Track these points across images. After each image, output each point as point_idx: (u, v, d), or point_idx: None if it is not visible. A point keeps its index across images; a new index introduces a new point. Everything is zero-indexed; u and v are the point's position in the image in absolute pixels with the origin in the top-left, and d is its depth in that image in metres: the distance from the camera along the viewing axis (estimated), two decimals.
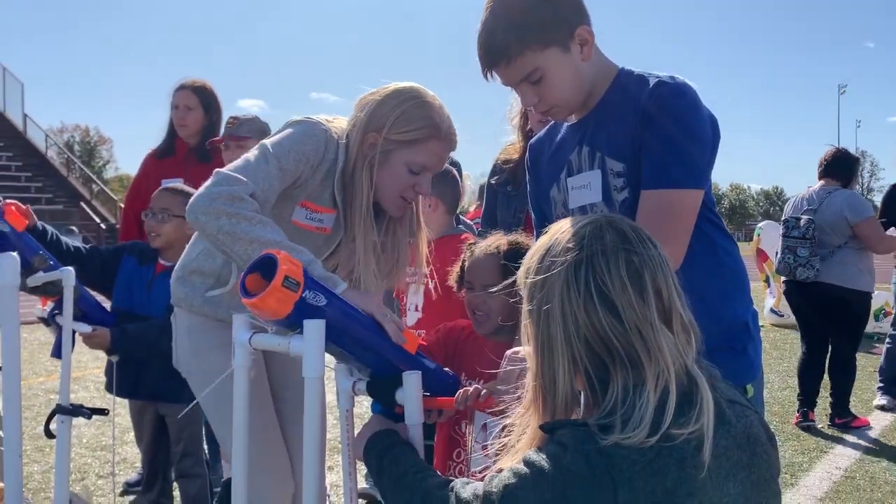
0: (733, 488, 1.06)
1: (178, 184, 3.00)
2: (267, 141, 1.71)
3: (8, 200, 2.27)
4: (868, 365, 6.45)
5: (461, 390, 1.65)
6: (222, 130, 3.44)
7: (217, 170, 1.65)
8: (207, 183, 1.63)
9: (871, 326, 8.23)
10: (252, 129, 3.23)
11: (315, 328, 1.27)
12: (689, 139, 1.51)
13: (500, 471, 1.13)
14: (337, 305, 1.38)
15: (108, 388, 2.72)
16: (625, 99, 1.58)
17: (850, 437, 4.30)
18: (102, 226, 22.72)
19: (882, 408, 5.05)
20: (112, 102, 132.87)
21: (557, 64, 1.54)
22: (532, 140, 1.89)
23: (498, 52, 1.53)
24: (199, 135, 3.61)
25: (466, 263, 2.01)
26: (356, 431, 1.48)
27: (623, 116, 1.57)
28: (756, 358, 1.72)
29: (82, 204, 24.17)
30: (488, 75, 1.58)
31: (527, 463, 1.09)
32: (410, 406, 1.39)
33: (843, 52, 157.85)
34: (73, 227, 16.16)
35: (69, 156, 33.88)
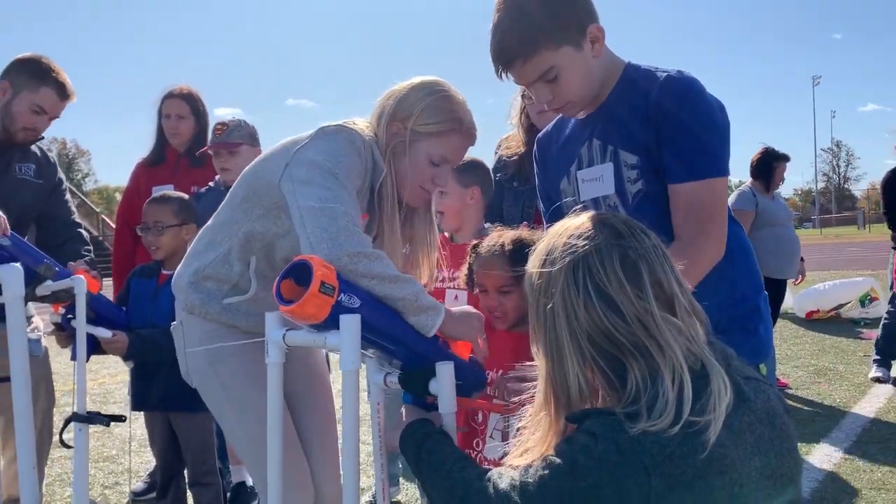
0: (759, 462, 1.10)
1: (165, 191, 3.00)
2: (327, 162, 1.60)
3: None
4: (858, 349, 6.55)
5: (497, 382, 1.67)
6: (209, 135, 3.44)
7: (322, 208, 1.52)
8: (326, 227, 1.50)
9: (858, 312, 8.39)
10: (243, 134, 3.22)
11: (351, 323, 1.29)
12: (708, 130, 1.56)
13: (532, 463, 1.15)
14: (371, 305, 1.40)
15: (135, 406, 2.74)
16: (635, 93, 1.63)
17: (846, 420, 4.37)
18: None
19: (878, 380, 5.20)
20: (88, 114, 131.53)
21: (571, 62, 1.58)
22: (540, 134, 1.93)
23: (513, 52, 1.57)
24: (189, 142, 3.62)
25: (474, 266, 2.02)
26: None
27: (635, 110, 1.62)
28: (767, 338, 1.78)
29: None
30: (503, 75, 1.61)
31: (559, 454, 1.12)
32: (444, 395, 1.41)
33: (813, 45, 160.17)
34: None
35: None
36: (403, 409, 1.50)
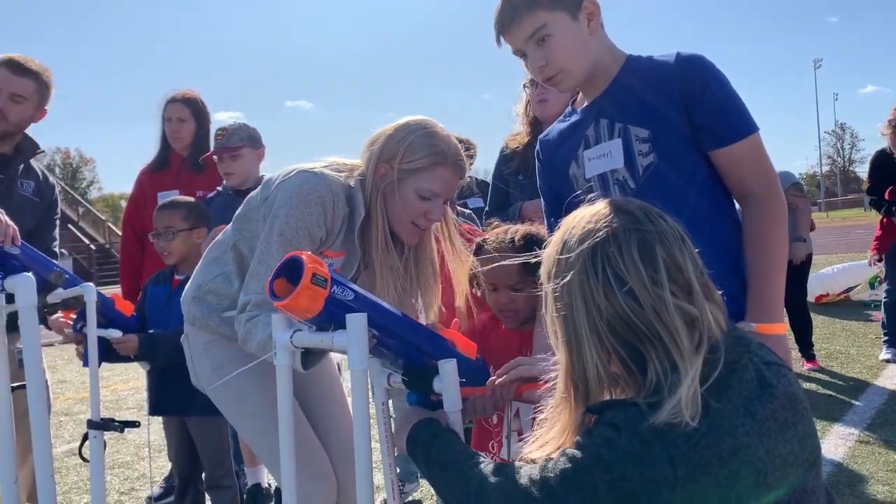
0: (783, 448, 1.09)
1: (174, 197, 3.01)
2: (278, 225, 1.76)
3: None
4: (869, 332, 6.53)
5: (492, 382, 1.65)
6: (212, 140, 3.45)
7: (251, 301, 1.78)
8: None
9: (867, 294, 8.37)
10: (243, 137, 3.23)
11: (358, 321, 1.29)
12: (735, 93, 1.67)
13: (551, 456, 1.14)
14: (364, 299, 1.40)
15: (152, 411, 2.76)
16: (646, 76, 1.69)
17: (859, 403, 4.36)
18: (92, 247, 22.58)
19: (889, 361, 5.24)
20: (91, 123, 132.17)
21: (565, 27, 1.66)
22: (542, 135, 1.96)
23: (510, 11, 1.66)
24: (191, 146, 3.63)
25: (480, 264, 1.99)
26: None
27: (649, 88, 1.67)
28: None
29: (70, 226, 24.01)
30: (501, 39, 1.70)
31: (580, 447, 1.10)
32: (449, 393, 1.40)
33: (809, 28, 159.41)
34: (63, 251, 16.06)
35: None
36: (393, 412, 1.50)
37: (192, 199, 2.93)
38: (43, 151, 2.80)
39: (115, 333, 2.33)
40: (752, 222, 1.65)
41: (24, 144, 2.71)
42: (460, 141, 3.90)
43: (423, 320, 2.09)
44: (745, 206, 1.68)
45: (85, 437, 2.16)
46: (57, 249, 2.86)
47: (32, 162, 2.78)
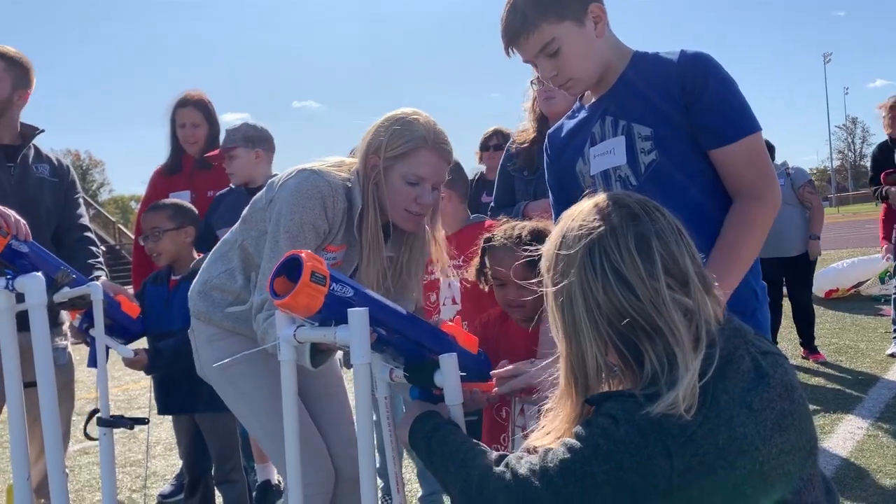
0: (780, 439, 1.10)
1: (161, 200, 3.04)
2: (283, 223, 1.82)
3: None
4: (879, 327, 6.49)
5: (496, 374, 1.67)
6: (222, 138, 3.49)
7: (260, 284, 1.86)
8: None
9: (878, 289, 8.29)
10: (236, 137, 3.25)
11: (359, 316, 1.30)
12: (737, 91, 1.66)
13: (551, 447, 1.16)
14: (364, 295, 1.42)
15: (162, 411, 2.80)
16: (649, 74, 1.69)
17: (868, 397, 4.34)
18: (102, 248, 22.59)
19: (893, 356, 5.20)
20: (100, 125, 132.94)
21: (573, 37, 1.65)
22: (550, 130, 1.97)
23: (517, 26, 1.66)
24: (203, 149, 3.66)
25: (489, 261, 2.01)
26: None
27: (652, 87, 1.67)
28: (764, 322, 1.79)
29: None
30: (510, 51, 1.71)
31: (579, 437, 1.12)
32: (450, 387, 1.42)
33: (816, 23, 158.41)
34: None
35: None
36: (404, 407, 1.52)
37: (178, 200, 2.96)
38: (43, 131, 2.83)
39: (126, 353, 2.35)
40: (738, 209, 1.63)
41: (24, 131, 2.77)
42: (501, 133, 4.00)
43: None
44: (737, 198, 1.66)
45: (90, 415, 2.18)
46: (87, 223, 2.89)
47: (43, 150, 2.82)
